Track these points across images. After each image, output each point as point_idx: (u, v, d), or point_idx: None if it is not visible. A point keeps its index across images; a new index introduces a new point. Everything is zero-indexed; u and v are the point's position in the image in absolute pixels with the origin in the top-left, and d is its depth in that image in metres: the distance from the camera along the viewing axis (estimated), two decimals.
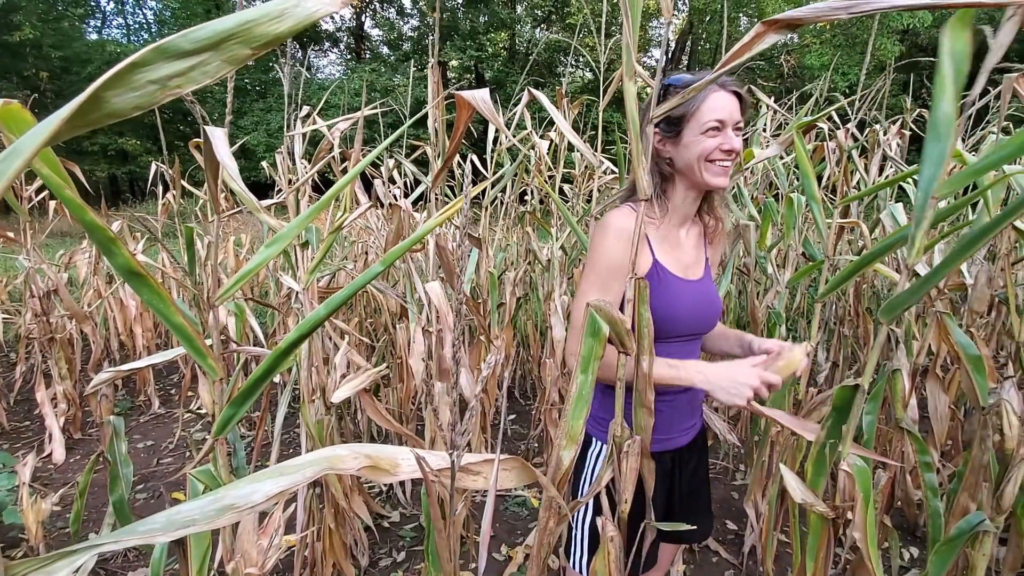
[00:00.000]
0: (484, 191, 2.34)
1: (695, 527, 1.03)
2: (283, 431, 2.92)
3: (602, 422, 1.08)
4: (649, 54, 18.41)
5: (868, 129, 2.56)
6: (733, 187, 2.75)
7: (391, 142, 0.94)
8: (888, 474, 1.82)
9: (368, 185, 2.36)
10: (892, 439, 1.89)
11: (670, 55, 19.06)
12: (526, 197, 3.01)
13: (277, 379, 1.90)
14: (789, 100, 2.71)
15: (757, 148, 2.14)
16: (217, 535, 0.85)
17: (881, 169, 2.44)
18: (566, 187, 3.03)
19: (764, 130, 2.58)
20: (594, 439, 1.09)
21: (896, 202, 1.91)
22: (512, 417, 3.28)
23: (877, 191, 1.50)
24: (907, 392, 1.51)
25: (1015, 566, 1.39)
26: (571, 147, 1.82)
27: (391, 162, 2.32)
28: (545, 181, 2.63)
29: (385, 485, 2.53)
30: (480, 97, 0.90)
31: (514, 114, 1.98)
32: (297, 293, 1.53)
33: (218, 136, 0.64)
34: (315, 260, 1.21)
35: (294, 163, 1.71)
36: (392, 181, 2.58)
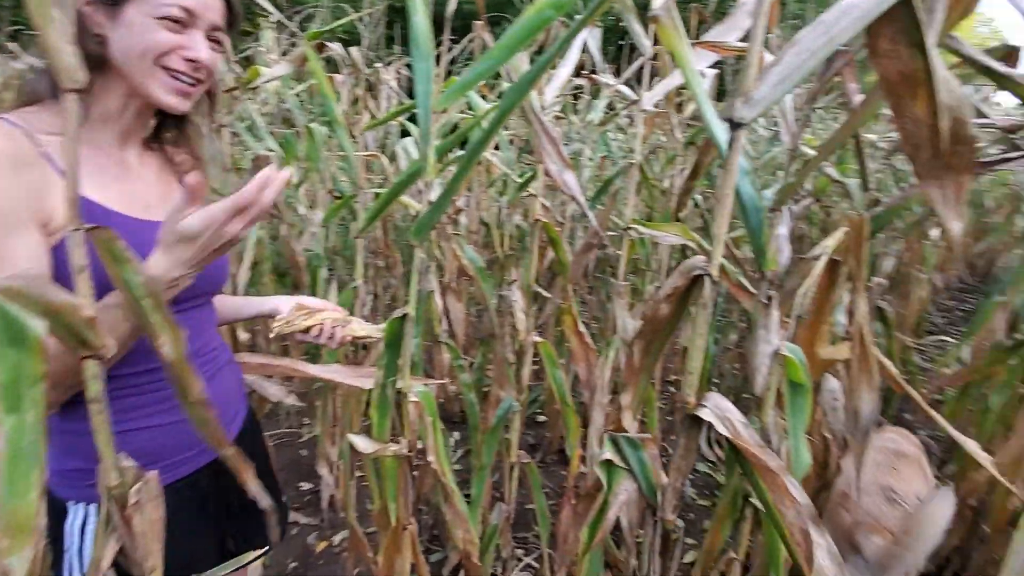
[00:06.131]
0: None
1: (266, 538, 0.81)
2: None
3: (73, 475, 0.67)
4: None
5: (371, 69, 2.66)
6: (248, 119, 2.39)
7: None
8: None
9: None
10: (432, 352, 2.12)
11: None
12: None
13: None
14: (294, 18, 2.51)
15: (264, 69, 1.87)
16: None
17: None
18: None
19: (268, 52, 2.31)
20: (68, 506, 0.68)
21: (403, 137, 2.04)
22: None
23: (395, 116, 1.52)
24: (441, 310, 1.67)
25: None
26: None
27: None
28: None
29: None
30: None
31: None
32: None
33: None
34: None
35: None
36: None
